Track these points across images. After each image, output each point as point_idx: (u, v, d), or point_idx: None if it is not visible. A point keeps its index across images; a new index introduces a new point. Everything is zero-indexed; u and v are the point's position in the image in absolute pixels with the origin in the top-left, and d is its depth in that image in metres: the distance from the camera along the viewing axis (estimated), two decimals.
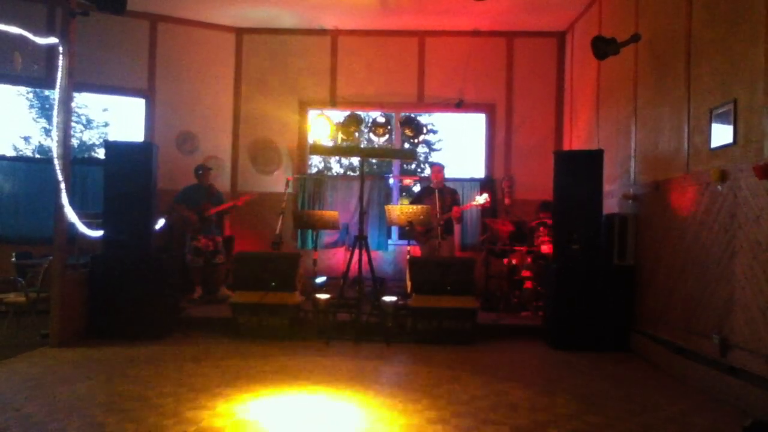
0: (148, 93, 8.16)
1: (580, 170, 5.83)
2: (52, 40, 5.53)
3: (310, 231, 7.93)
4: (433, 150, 24.81)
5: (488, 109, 8.54)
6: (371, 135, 8.13)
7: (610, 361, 5.20)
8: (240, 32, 8.60)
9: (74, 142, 21.26)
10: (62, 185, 5.39)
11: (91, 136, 24.76)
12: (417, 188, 10.26)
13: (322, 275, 7.18)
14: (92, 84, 7.83)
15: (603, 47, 5.78)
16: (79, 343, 5.45)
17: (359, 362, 5.05)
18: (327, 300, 5.96)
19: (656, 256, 5.31)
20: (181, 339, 5.74)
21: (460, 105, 8.33)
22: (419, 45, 8.53)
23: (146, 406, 3.70)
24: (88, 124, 24.76)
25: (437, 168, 7.36)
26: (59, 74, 5.44)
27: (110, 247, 5.81)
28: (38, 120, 23.87)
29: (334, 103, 8.51)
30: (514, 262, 7.01)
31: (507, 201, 8.03)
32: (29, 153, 23.24)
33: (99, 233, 5.83)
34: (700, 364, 4.41)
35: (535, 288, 6.78)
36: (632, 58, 5.88)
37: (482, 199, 7.10)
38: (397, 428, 3.39)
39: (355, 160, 10.84)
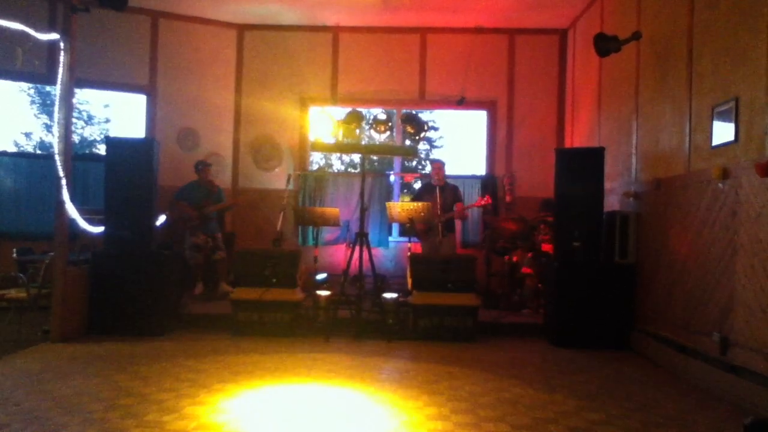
0: (149, 89, 8.16)
1: (581, 168, 5.81)
2: (54, 36, 5.52)
3: (311, 228, 7.93)
4: (435, 147, 24.83)
5: (490, 106, 8.53)
6: (372, 132, 8.10)
7: (610, 359, 5.20)
8: (241, 29, 8.59)
9: (75, 138, 21.26)
10: (63, 181, 5.39)
11: (92, 132, 24.81)
12: (418, 185, 10.26)
13: (322, 272, 7.18)
14: (93, 80, 7.82)
15: (605, 45, 5.77)
16: (80, 339, 5.46)
17: (360, 359, 5.05)
18: (328, 297, 5.95)
19: (657, 254, 5.31)
20: (181, 335, 5.74)
21: (461, 102, 8.31)
22: (421, 42, 8.52)
23: (147, 401, 3.70)
24: (89, 120, 24.80)
25: (438, 165, 7.36)
26: (60, 70, 5.44)
27: (111, 243, 5.81)
28: (39, 116, 23.91)
29: (335, 99, 8.51)
30: (515, 259, 7.01)
31: (508, 198, 8.02)
32: (30, 149, 23.27)
33: (100, 229, 5.84)
34: (700, 363, 4.41)
35: (536, 286, 6.78)
36: (634, 56, 5.87)
37: (482, 201, 7.14)
38: (397, 424, 3.40)
39: (356, 157, 10.83)
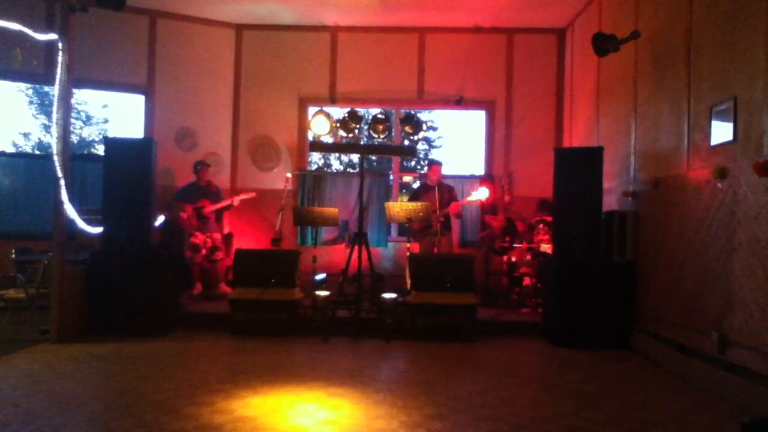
0: (147, 89, 8.14)
1: (580, 167, 5.82)
2: (52, 36, 5.51)
3: (309, 228, 7.93)
4: (433, 147, 24.80)
5: (488, 105, 8.53)
6: (371, 132, 8.12)
7: (609, 359, 5.20)
8: (240, 28, 8.58)
9: (74, 138, 21.23)
10: (62, 181, 5.38)
11: (90, 133, 24.79)
12: (417, 185, 10.27)
13: (321, 272, 7.17)
14: (92, 80, 7.81)
15: (603, 44, 5.77)
16: (78, 339, 5.45)
17: (358, 359, 5.06)
18: (326, 296, 5.95)
19: (656, 254, 5.31)
20: (180, 335, 5.74)
21: (459, 102, 8.32)
22: (419, 41, 8.51)
23: (145, 402, 3.70)
24: (87, 120, 24.79)
25: (436, 167, 7.37)
26: (58, 70, 5.43)
27: (109, 243, 5.80)
28: (38, 116, 23.89)
29: (333, 99, 8.51)
30: (513, 258, 7.01)
31: (506, 198, 8.02)
32: (29, 149, 23.25)
33: (98, 229, 5.83)
34: (699, 362, 4.41)
35: (534, 285, 6.79)
36: (632, 55, 5.87)
37: (480, 194, 7.05)
38: (396, 424, 3.40)
39: (355, 157, 10.83)
